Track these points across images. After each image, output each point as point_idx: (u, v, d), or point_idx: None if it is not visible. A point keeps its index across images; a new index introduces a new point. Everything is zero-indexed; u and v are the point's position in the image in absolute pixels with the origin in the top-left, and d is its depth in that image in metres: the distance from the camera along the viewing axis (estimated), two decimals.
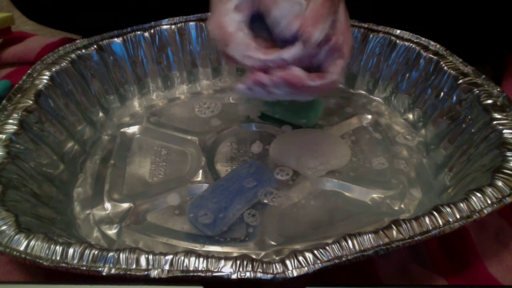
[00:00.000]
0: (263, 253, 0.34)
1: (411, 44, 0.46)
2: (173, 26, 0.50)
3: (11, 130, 0.36)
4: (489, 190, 0.30)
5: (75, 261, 0.27)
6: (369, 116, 0.47)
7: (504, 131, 0.35)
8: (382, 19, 0.48)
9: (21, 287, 0.30)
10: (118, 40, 0.48)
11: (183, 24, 0.50)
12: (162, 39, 0.50)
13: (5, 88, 0.52)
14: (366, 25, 0.48)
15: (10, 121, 0.37)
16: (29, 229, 0.29)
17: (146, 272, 0.26)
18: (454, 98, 0.41)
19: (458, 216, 0.29)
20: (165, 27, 0.50)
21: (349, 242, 0.27)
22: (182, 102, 0.51)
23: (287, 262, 0.27)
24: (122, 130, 0.46)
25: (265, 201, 0.38)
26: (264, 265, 0.27)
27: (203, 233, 0.35)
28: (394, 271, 0.33)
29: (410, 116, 0.46)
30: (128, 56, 0.49)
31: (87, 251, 0.27)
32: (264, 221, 0.36)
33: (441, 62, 0.43)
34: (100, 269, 0.27)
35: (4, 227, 0.29)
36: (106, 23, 0.50)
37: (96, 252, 0.27)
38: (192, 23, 0.50)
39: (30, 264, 0.28)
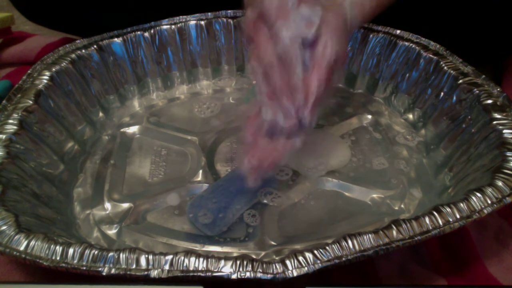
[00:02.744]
0: (263, 253, 0.34)
1: (411, 44, 0.46)
2: (173, 26, 0.50)
3: (11, 130, 0.36)
4: (489, 190, 0.30)
5: (75, 261, 0.27)
6: (369, 116, 0.47)
7: (504, 131, 0.35)
8: (382, 19, 0.48)
9: (21, 287, 0.30)
10: (118, 40, 0.48)
11: (183, 24, 0.50)
12: (162, 39, 0.50)
13: (5, 88, 0.52)
14: (366, 25, 0.48)
15: (10, 121, 0.37)
16: (29, 229, 0.29)
17: (146, 272, 0.26)
18: (454, 98, 0.41)
19: (458, 216, 0.29)
20: (165, 27, 0.50)
21: (349, 242, 0.27)
22: (182, 102, 0.51)
23: (287, 262, 0.27)
24: (122, 130, 0.46)
25: (265, 201, 0.38)
26: (264, 265, 0.27)
27: (203, 233, 0.35)
28: (394, 271, 0.33)
29: (410, 116, 0.46)
30: (128, 56, 0.49)
31: (87, 251, 0.27)
32: (264, 221, 0.36)
33: (441, 62, 0.43)
34: (100, 269, 0.27)
35: (4, 227, 0.29)
36: (106, 23, 0.50)
37: (96, 252, 0.27)
38: (192, 23, 0.50)
39: (30, 264, 0.28)
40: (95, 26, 0.50)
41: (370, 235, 0.28)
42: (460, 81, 0.41)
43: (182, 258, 0.27)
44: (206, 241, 0.35)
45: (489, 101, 0.38)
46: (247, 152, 0.35)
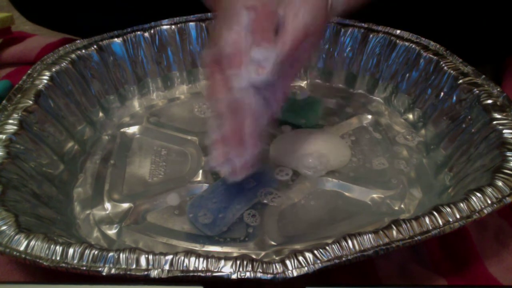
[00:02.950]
0: (263, 253, 0.34)
1: (411, 44, 0.46)
2: (173, 26, 0.50)
3: (11, 130, 0.36)
4: (489, 190, 0.30)
5: (75, 261, 0.27)
6: (369, 116, 0.47)
7: (504, 131, 0.35)
8: (382, 19, 0.48)
9: (21, 287, 0.30)
10: (118, 40, 0.48)
11: (183, 24, 0.50)
12: (162, 39, 0.50)
13: (5, 88, 0.52)
14: (366, 25, 0.48)
15: (10, 121, 0.37)
16: (29, 229, 0.29)
17: (146, 272, 0.26)
18: (454, 98, 0.41)
19: (458, 216, 0.29)
20: (165, 27, 0.50)
21: (349, 242, 0.27)
22: (182, 102, 0.51)
23: (287, 262, 0.27)
24: (122, 130, 0.46)
25: (265, 201, 0.38)
26: (264, 265, 0.27)
27: (203, 233, 0.35)
28: (394, 271, 0.33)
29: (410, 116, 0.46)
30: (128, 56, 0.49)
31: (87, 251, 0.27)
32: (264, 221, 0.36)
33: (441, 62, 0.43)
34: (100, 269, 0.27)
35: (4, 227, 0.29)
36: (106, 23, 0.50)
37: (96, 252, 0.27)
38: (192, 23, 0.50)
39: (30, 264, 0.28)
40: (95, 26, 0.50)
41: (370, 235, 0.28)
42: (460, 81, 0.41)
43: (182, 258, 0.27)
44: (206, 241, 0.35)
45: (489, 101, 0.38)
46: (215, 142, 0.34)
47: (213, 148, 0.34)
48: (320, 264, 0.26)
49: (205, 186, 0.39)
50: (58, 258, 0.27)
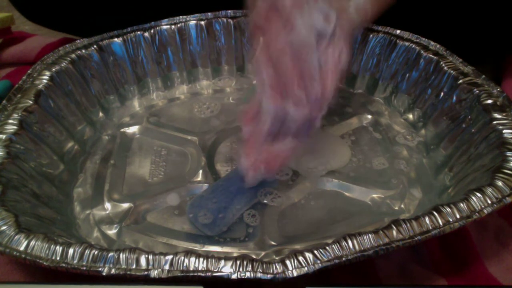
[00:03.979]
0: (263, 253, 0.34)
1: (411, 44, 0.46)
2: (173, 26, 0.50)
3: (11, 130, 0.36)
4: (489, 190, 0.30)
5: (75, 261, 0.27)
6: (369, 116, 0.47)
7: (504, 131, 0.35)
8: (382, 19, 0.48)
9: (21, 287, 0.30)
10: (118, 40, 0.48)
11: (183, 24, 0.50)
12: (162, 39, 0.50)
13: (5, 88, 0.52)
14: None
15: (10, 121, 0.37)
16: (29, 229, 0.29)
17: (146, 272, 0.26)
18: (454, 98, 0.41)
19: (458, 216, 0.29)
20: (165, 27, 0.50)
21: (349, 242, 0.27)
22: (182, 102, 0.51)
23: (287, 262, 0.27)
24: (122, 130, 0.46)
25: (265, 201, 0.38)
26: (264, 265, 0.27)
27: (203, 233, 0.35)
28: (394, 271, 0.33)
29: (410, 116, 0.46)
30: (128, 56, 0.49)
31: (87, 251, 0.27)
32: (264, 221, 0.36)
33: (441, 62, 0.43)
34: (100, 269, 0.27)
35: (4, 227, 0.29)
36: (106, 23, 0.50)
37: (96, 252, 0.27)
38: (192, 23, 0.50)
39: (30, 264, 0.28)
40: (95, 26, 0.50)
41: (370, 235, 0.28)
42: (460, 81, 0.41)
43: (182, 258, 0.27)
44: (206, 241, 0.35)
45: (489, 101, 0.38)
46: (245, 152, 0.35)
47: (243, 152, 0.35)
48: (320, 264, 0.26)
49: (205, 186, 0.39)
50: (58, 258, 0.27)
